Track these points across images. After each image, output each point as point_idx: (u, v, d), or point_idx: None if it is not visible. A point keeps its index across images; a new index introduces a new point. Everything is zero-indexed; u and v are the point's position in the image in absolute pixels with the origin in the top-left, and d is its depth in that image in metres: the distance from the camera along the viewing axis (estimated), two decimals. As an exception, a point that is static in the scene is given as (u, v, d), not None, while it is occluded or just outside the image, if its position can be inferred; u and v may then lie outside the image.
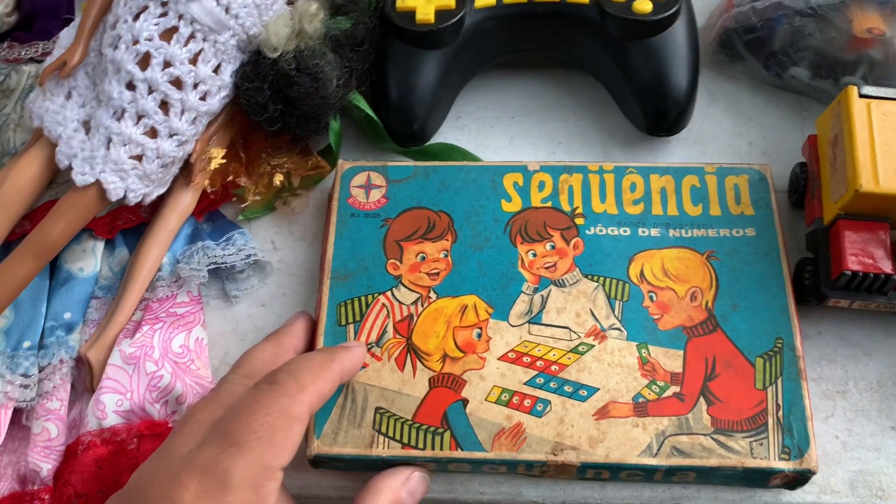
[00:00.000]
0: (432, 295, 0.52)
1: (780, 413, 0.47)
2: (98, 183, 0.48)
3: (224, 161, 0.54)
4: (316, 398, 0.41)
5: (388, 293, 0.52)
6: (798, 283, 0.52)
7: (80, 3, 0.60)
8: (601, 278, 0.52)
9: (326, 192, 0.58)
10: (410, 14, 0.56)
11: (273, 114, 0.52)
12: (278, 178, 0.56)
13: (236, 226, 0.56)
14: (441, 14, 0.56)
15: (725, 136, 0.60)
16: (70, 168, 0.48)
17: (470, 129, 0.61)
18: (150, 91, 0.49)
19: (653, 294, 0.51)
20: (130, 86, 0.49)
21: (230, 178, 0.55)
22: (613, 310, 0.51)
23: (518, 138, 0.61)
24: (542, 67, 0.63)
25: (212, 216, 0.57)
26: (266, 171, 0.56)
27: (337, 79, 0.53)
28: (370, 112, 0.57)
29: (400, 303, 0.52)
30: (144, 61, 0.49)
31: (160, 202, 0.53)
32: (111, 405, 0.47)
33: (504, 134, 0.61)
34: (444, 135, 0.61)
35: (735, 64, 0.61)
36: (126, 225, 0.54)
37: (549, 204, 0.54)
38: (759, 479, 0.47)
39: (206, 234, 0.54)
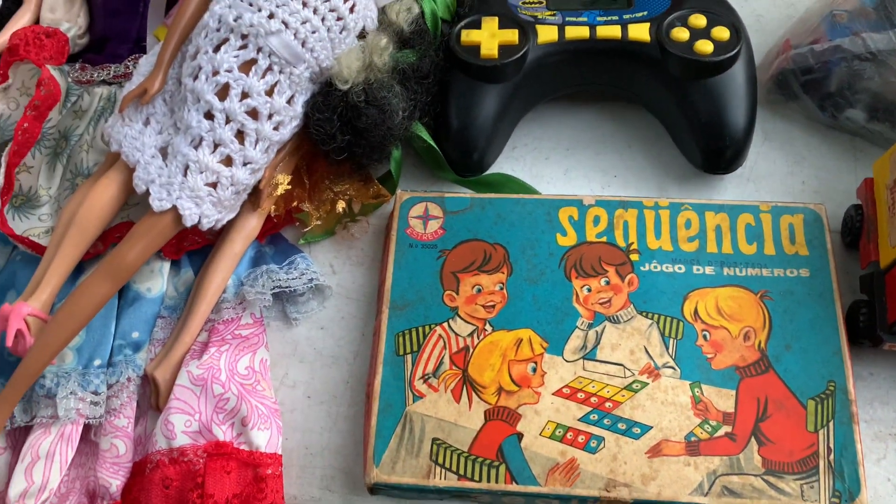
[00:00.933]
0: (488, 327, 0.53)
1: (832, 456, 0.48)
2: (174, 209, 0.50)
3: (289, 187, 0.55)
4: None
5: (445, 324, 0.53)
6: (852, 324, 0.52)
7: (153, 29, 0.62)
8: (655, 315, 0.52)
9: (384, 217, 0.60)
10: (475, 48, 0.58)
11: (341, 143, 0.54)
12: (340, 205, 0.57)
13: (298, 249, 0.57)
14: (505, 49, 0.57)
15: (779, 175, 0.60)
16: (147, 193, 0.50)
17: (525, 159, 0.62)
18: (228, 121, 0.50)
19: (707, 333, 0.52)
20: (209, 115, 0.50)
21: (294, 203, 0.57)
22: (668, 348, 0.51)
23: (573, 170, 0.62)
24: (596, 100, 0.64)
25: (274, 239, 0.58)
26: (329, 197, 0.57)
27: (402, 110, 0.54)
28: (432, 142, 0.58)
29: (456, 334, 0.53)
30: (223, 92, 0.50)
31: (226, 225, 0.55)
32: (180, 425, 0.49)
33: (559, 165, 0.62)
34: (501, 165, 0.62)
35: (790, 103, 0.62)
36: (192, 246, 0.56)
37: (603, 239, 0.55)
38: (809, 521, 0.47)
39: (269, 257, 0.56)
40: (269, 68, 0.51)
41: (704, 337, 0.52)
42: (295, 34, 0.51)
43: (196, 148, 0.50)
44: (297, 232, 0.59)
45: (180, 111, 0.51)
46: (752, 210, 0.56)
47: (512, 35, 0.58)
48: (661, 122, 0.61)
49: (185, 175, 0.50)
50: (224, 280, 0.54)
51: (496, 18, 0.60)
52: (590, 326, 0.52)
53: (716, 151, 0.58)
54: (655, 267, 0.54)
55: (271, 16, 0.51)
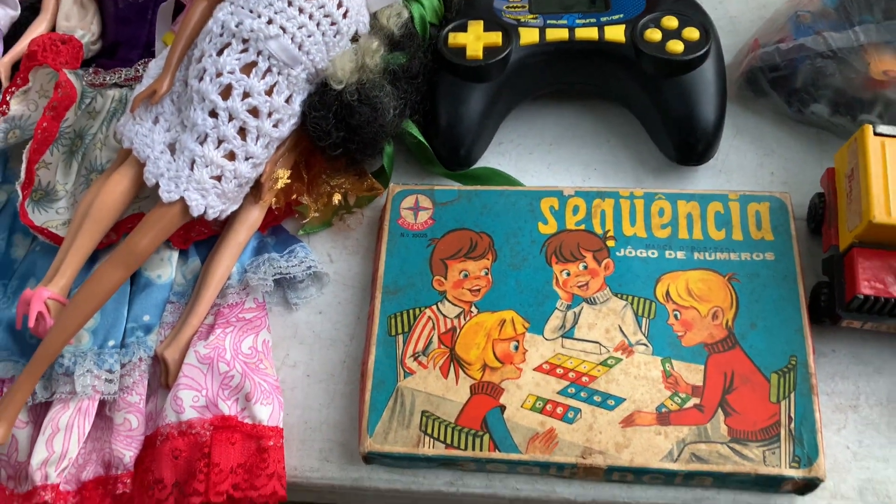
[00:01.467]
0: (474, 309, 0.57)
1: (792, 425, 0.51)
2: (182, 200, 0.54)
3: (289, 181, 0.59)
4: None
5: (434, 307, 0.57)
6: (814, 304, 0.56)
7: (161, 35, 0.66)
8: (630, 297, 0.56)
9: (378, 209, 0.64)
10: (461, 50, 0.62)
11: (336, 139, 0.58)
12: (337, 198, 0.61)
13: (297, 239, 0.61)
14: (489, 50, 0.61)
15: (749, 167, 0.64)
16: (157, 186, 0.54)
17: (511, 154, 0.66)
18: (231, 119, 0.54)
19: (677, 312, 0.56)
20: (213, 113, 0.54)
21: (293, 196, 0.61)
22: (640, 326, 0.55)
23: (555, 164, 0.65)
24: (578, 99, 0.68)
25: (275, 230, 0.62)
26: (326, 190, 0.61)
27: (393, 109, 0.58)
28: (421, 138, 0.62)
29: (444, 316, 0.56)
30: (226, 92, 0.55)
31: (231, 217, 0.59)
32: (188, 401, 0.53)
33: (542, 160, 0.66)
34: (487, 159, 0.66)
35: (759, 99, 0.65)
36: (199, 237, 0.60)
37: (582, 227, 0.59)
38: (771, 484, 0.51)
39: (271, 247, 0.60)
40: (269, 70, 0.55)
41: (675, 316, 0.55)
42: (292, 38, 0.55)
43: (202, 144, 0.54)
44: (297, 223, 0.63)
45: (187, 110, 0.55)
46: (722, 199, 0.60)
47: (496, 37, 0.62)
48: (637, 117, 0.65)
49: (191, 169, 0.54)
50: (229, 268, 0.58)
51: (481, 22, 0.64)
52: (568, 308, 0.56)
53: (688, 144, 0.61)
54: (630, 252, 0.58)
55: (270, 21, 0.55)
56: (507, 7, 0.65)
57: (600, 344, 0.55)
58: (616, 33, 0.62)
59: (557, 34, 0.62)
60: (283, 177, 0.59)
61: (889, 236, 0.52)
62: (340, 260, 0.63)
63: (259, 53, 0.55)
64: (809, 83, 0.62)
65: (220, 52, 0.55)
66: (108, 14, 0.68)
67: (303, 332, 0.60)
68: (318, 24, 0.56)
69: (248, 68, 0.55)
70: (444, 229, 0.60)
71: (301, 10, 0.56)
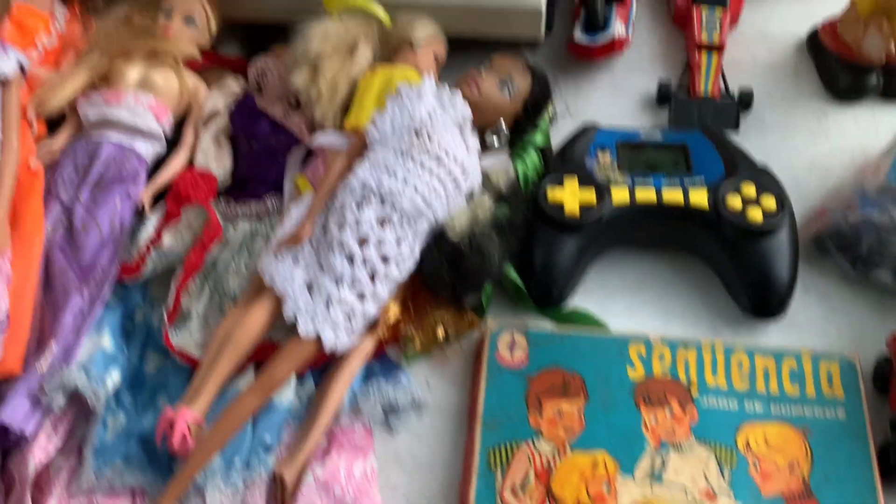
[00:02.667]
0: (568, 449, 0.61)
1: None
2: (318, 336, 0.60)
3: (399, 315, 0.65)
4: None
5: (530, 442, 0.62)
6: (884, 462, 0.60)
7: (289, 175, 0.73)
8: (713, 445, 0.61)
9: (472, 341, 0.69)
10: (559, 206, 0.69)
11: (447, 281, 0.64)
12: (440, 332, 0.67)
13: (400, 366, 0.67)
14: (585, 209, 0.68)
15: (817, 322, 0.70)
16: (295, 321, 0.60)
17: (596, 296, 0.72)
18: (365, 264, 0.61)
19: (757, 463, 0.60)
20: (350, 259, 0.61)
21: (398, 325, 0.67)
22: (723, 474, 0.60)
23: (636, 308, 0.71)
24: (658, 249, 0.74)
25: (380, 357, 0.67)
26: (430, 323, 0.67)
27: (499, 256, 0.65)
28: (520, 283, 0.68)
29: (540, 453, 0.61)
30: (363, 241, 0.62)
31: (346, 346, 0.65)
32: (307, 522, 0.57)
33: (625, 303, 0.71)
34: (574, 299, 0.71)
35: (826, 261, 0.71)
36: (315, 366, 0.65)
37: (668, 376, 0.64)
38: None
39: (377, 372, 0.65)
40: (399, 223, 0.62)
41: (755, 466, 0.60)
42: (422, 196, 0.63)
43: (338, 285, 0.61)
44: (399, 350, 0.69)
45: (326, 254, 0.62)
46: (796, 356, 0.65)
47: (590, 194, 0.69)
48: (715, 271, 0.71)
49: (327, 308, 0.60)
50: (342, 395, 0.63)
51: (576, 177, 0.71)
52: (656, 452, 0.61)
53: (764, 301, 0.67)
54: (713, 402, 0.63)
55: (404, 181, 0.62)
56: (599, 165, 0.72)
57: (686, 489, 0.59)
58: (700, 198, 0.68)
59: (646, 195, 0.69)
60: (395, 311, 0.65)
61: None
62: (438, 388, 0.68)
63: (392, 208, 0.62)
64: (874, 250, 0.68)
65: (359, 206, 0.62)
66: (241, 153, 0.76)
67: (403, 457, 0.64)
68: (443, 184, 0.63)
69: (382, 221, 0.62)
70: (538, 366, 0.65)
71: (430, 172, 0.63)
